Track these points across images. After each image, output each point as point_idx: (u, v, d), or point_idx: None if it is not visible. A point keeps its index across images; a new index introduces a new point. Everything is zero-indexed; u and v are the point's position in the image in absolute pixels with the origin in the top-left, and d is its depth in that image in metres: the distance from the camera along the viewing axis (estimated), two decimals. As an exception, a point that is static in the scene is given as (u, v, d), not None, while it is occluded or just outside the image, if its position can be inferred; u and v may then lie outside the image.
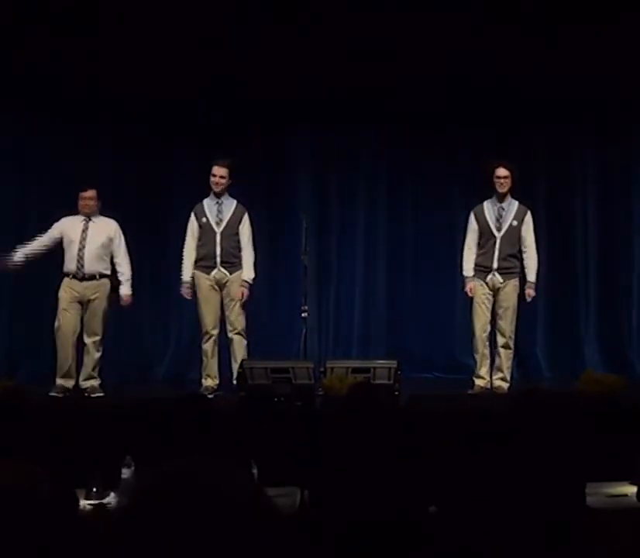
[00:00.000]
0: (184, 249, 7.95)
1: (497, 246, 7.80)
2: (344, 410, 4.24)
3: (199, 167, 8.83)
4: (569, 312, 9.21)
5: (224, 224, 7.96)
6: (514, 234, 7.84)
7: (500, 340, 7.85)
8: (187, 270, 7.91)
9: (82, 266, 7.78)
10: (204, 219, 7.94)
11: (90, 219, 7.89)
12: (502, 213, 7.86)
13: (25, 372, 8.60)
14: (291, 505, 4.39)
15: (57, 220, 8.10)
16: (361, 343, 9.30)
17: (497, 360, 7.86)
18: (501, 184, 7.81)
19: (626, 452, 4.93)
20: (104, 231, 7.89)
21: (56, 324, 7.79)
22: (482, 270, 7.86)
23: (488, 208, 7.91)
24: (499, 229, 7.82)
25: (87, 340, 7.82)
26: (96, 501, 4.45)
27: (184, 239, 8.05)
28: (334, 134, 9.37)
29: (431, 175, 9.47)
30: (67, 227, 7.87)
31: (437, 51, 8.92)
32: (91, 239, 7.83)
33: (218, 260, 7.90)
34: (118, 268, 7.94)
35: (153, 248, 9.07)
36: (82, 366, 7.83)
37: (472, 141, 9.30)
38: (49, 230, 7.89)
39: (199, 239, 7.94)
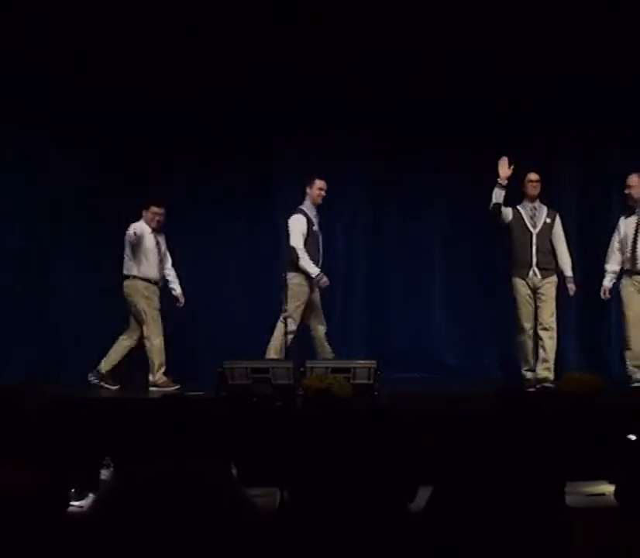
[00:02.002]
0: (301, 247, 8.34)
1: (534, 241, 8.23)
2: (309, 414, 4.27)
3: (198, 168, 8.89)
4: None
5: (321, 235, 8.63)
6: (547, 231, 8.27)
7: (544, 333, 8.23)
8: (312, 264, 8.35)
9: (162, 276, 8.47)
10: (314, 228, 8.48)
11: (156, 232, 8.37)
12: (535, 212, 8.32)
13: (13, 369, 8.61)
14: (271, 505, 4.39)
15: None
16: (342, 343, 9.29)
17: (542, 353, 8.20)
18: (534, 186, 8.30)
19: (604, 451, 4.95)
20: (164, 244, 8.48)
21: (155, 329, 8.28)
22: (522, 265, 8.25)
23: (521, 209, 8.35)
24: (534, 226, 8.26)
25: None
26: (75, 502, 4.44)
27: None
28: (334, 134, 9.48)
29: (418, 178, 9.56)
30: (143, 236, 8.30)
31: (437, 51, 8.95)
32: (163, 250, 8.47)
33: (320, 266, 8.49)
34: (171, 273, 8.61)
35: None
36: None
37: (471, 141, 9.37)
38: (135, 237, 8.25)
39: (306, 244, 8.39)
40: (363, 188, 9.65)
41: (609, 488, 4.57)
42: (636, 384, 7.97)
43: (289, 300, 8.28)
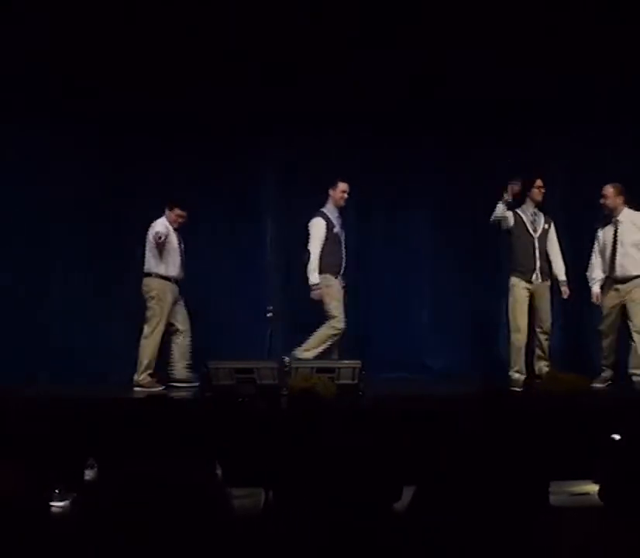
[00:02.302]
0: (315, 254, 8.48)
1: (537, 245, 8.47)
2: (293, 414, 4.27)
3: (198, 168, 8.91)
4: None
5: (344, 235, 8.60)
6: (545, 237, 8.54)
7: (543, 336, 8.51)
8: (317, 274, 8.44)
9: (183, 275, 8.60)
10: (335, 230, 8.59)
11: (177, 231, 8.54)
12: (535, 218, 8.55)
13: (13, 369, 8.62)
14: (256, 506, 4.39)
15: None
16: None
17: (540, 352, 8.48)
18: (541, 192, 8.60)
19: (588, 450, 4.93)
20: (183, 243, 8.59)
21: (162, 326, 8.40)
22: (525, 269, 8.48)
23: (522, 213, 8.56)
24: (535, 231, 8.51)
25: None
26: (59, 503, 4.42)
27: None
28: (334, 134, 9.50)
29: (418, 177, 9.55)
30: (169, 235, 8.43)
31: (437, 51, 8.94)
32: (183, 249, 8.62)
33: (343, 267, 8.64)
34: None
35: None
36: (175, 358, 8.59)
37: (471, 141, 9.37)
38: (161, 233, 8.34)
39: (328, 247, 8.50)
40: (362, 188, 9.62)
41: (593, 488, 4.56)
42: (598, 385, 8.14)
43: (326, 300, 8.45)
